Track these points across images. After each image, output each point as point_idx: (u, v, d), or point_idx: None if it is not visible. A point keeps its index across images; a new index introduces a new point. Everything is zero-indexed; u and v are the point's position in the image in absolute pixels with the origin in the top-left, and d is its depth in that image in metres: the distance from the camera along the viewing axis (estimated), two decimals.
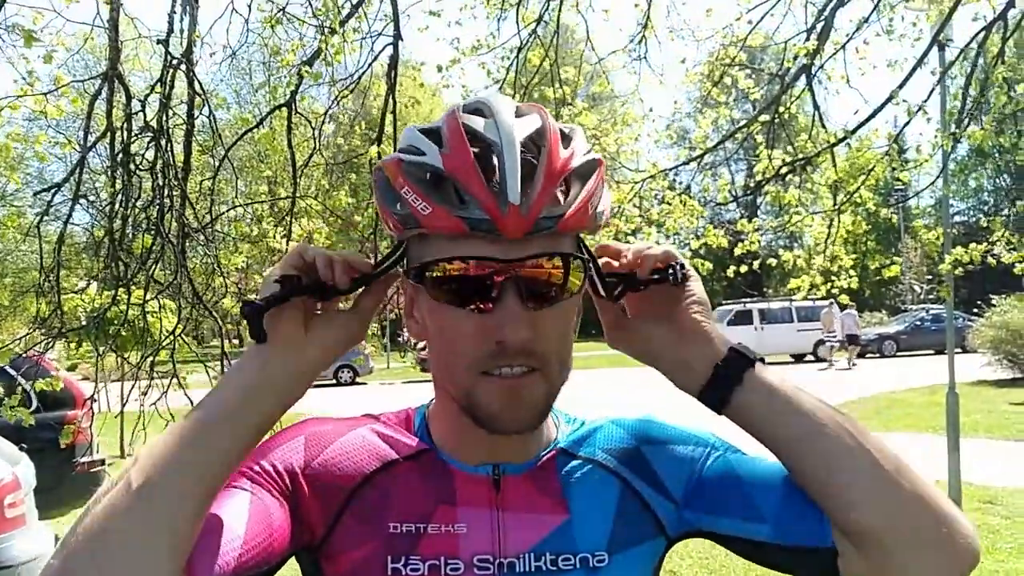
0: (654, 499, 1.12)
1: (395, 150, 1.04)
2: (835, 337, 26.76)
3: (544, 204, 0.93)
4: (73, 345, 5.64)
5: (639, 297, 1.10)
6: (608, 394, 20.72)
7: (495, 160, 0.94)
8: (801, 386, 1.08)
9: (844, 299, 6.58)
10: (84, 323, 5.02)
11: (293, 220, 5.12)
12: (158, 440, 0.90)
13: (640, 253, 1.07)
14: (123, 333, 5.05)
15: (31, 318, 5.01)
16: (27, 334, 5.06)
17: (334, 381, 26.71)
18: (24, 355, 5.06)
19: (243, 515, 0.95)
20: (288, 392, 0.97)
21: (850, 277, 6.39)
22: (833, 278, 6.42)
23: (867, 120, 5.72)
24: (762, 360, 1.08)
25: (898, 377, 20.20)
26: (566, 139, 1.01)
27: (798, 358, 29.22)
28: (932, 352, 27.64)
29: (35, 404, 6.56)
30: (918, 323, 29.99)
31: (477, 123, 0.97)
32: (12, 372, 6.22)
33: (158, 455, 0.87)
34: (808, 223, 6.30)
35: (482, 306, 0.95)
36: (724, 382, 1.04)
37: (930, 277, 40.50)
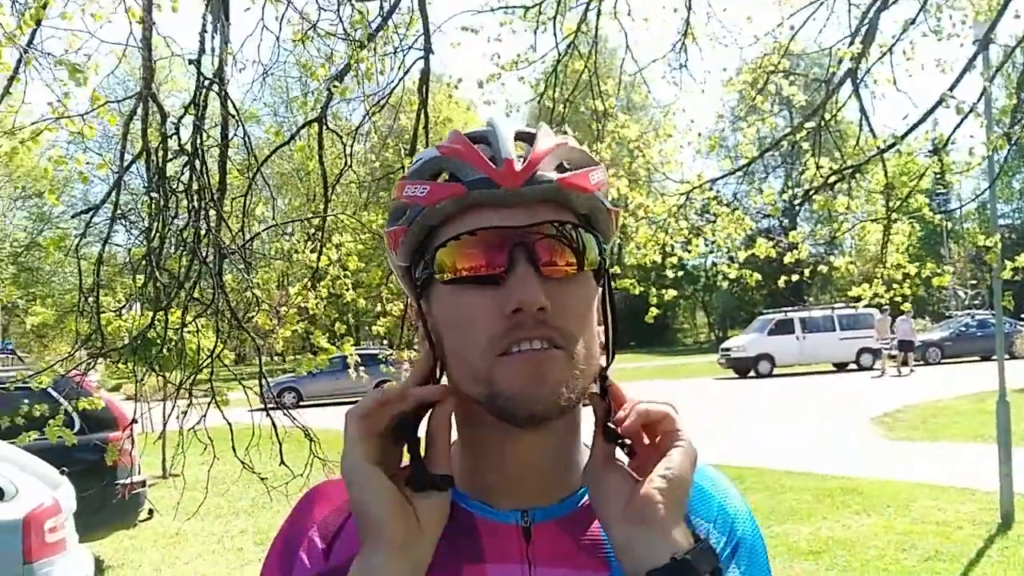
0: None
1: None
2: (888, 344, 26.34)
3: (541, 160, 0.91)
4: (115, 365, 5.64)
5: (634, 460, 0.96)
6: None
7: (490, 140, 0.93)
8: None
9: (907, 306, 6.41)
10: (126, 343, 5.01)
11: (325, 237, 5.08)
12: None
13: (638, 408, 0.93)
14: (165, 353, 5.02)
15: (76, 338, 5.02)
16: (69, 355, 5.06)
17: None
18: (66, 376, 5.06)
19: None
20: None
21: (916, 286, 6.21)
22: (896, 286, 6.24)
23: (918, 124, 5.56)
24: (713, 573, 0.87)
25: (944, 384, 19.82)
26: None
27: (840, 367, 28.81)
28: (978, 359, 27.13)
29: (78, 425, 6.61)
30: (963, 329, 29.45)
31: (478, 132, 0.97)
32: (54, 394, 6.24)
33: None
34: (865, 230, 6.13)
35: (495, 277, 0.89)
36: None
37: (975, 282, 39.83)
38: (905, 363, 26.01)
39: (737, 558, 0.99)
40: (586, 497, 0.98)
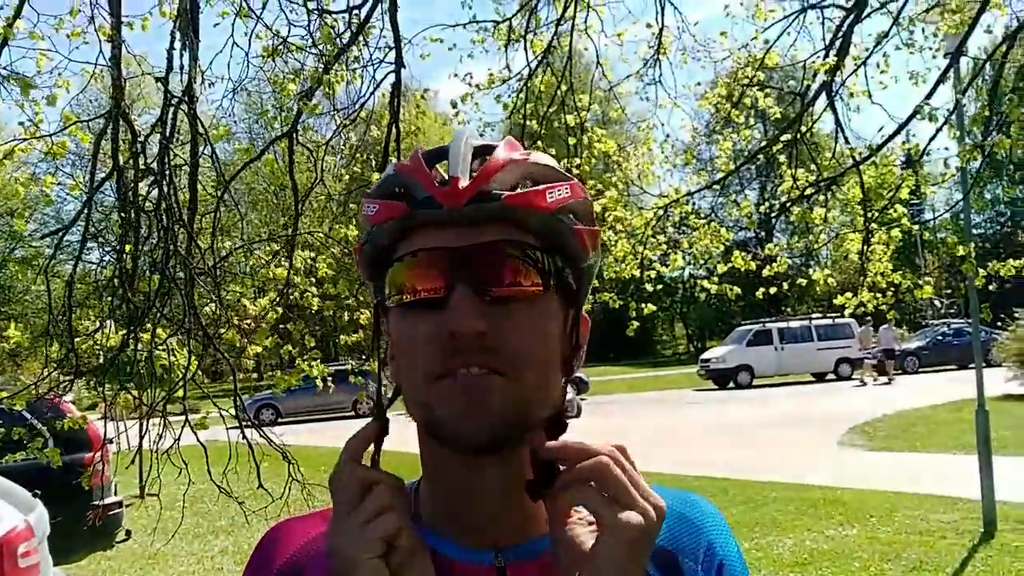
0: None
1: None
2: (871, 354, 26.51)
3: (490, 178, 0.85)
4: (90, 385, 5.56)
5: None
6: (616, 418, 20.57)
7: (444, 156, 0.89)
8: None
9: (892, 314, 6.45)
10: (100, 363, 4.94)
11: (294, 251, 5.03)
12: None
13: (578, 448, 0.83)
14: (141, 371, 4.96)
15: (45, 360, 4.93)
16: (44, 377, 4.97)
17: (353, 413, 26.58)
18: (42, 398, 4.99)
19: None
20: None
21: (901, 293, 6.25)
22: (878, 295, 6.27)
23: (893, 135, 5.60)
24: None
25: (922, 394, 19.95)
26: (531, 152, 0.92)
27: (819, 377, 28.97)
28: (955, 367, 27.35)
29: (51, 444, 6.49)
30: (940, 338, 29.71)
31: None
32: (28, 416, 6.13)
33: None
34: (845, 240, 6.16)
35: (435, 301, 0.84)
36: None
37: (949, 292, 40.23)
38: (884, 372, 26.20)
39: None
40: None
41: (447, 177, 0.85)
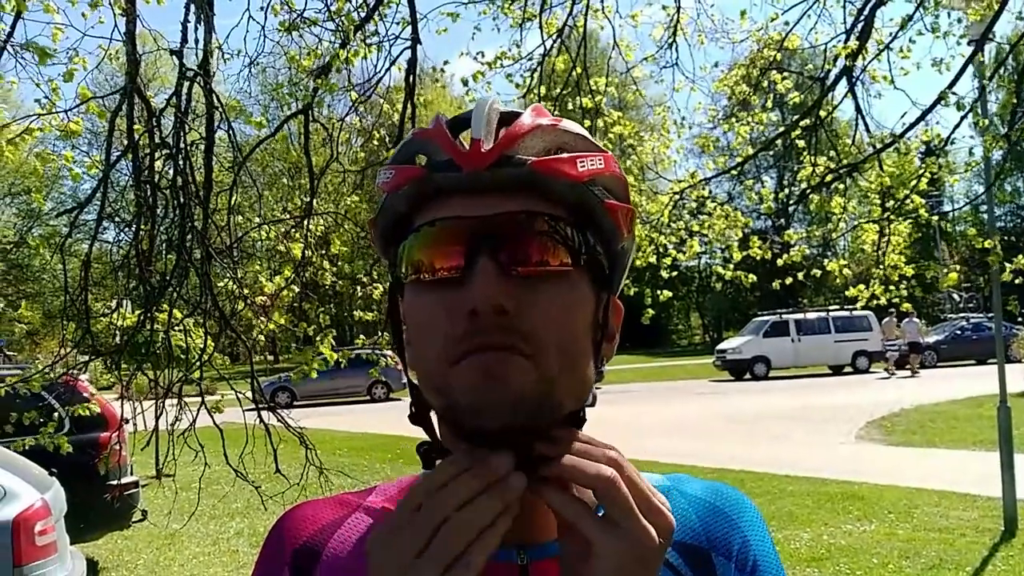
0: None
1: None
2: (895, 346, 26.35)
3: (515, 142, 0.78)
4: (107, 365, 5.57)
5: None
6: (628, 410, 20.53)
7: (468, 122, 0.82)
8: None
9: (907, 306, 6.37)
10: (117, 343, 4.95)
11: (308, 229, 5.01)
12: None
13: (576, 465, 0.74)
14: (157, 352, 4.96)
15: (61, 341, 4.96)
16: (60, 358, 4.99)
17: (368, 397, 26.67)
18: (58, 380, 5.01)
19: None
20: None
21: (913, 287, 6.17)
22: (892, 288, 6.19)
23: (916, 122, 5.52)
24: None
25: (940, 388, 19.79)
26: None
27: (836, 369, 28.81)
28: (973, 362, 27.13)
29: (68, 426, 6.54)
30: (958, 332, 29.47)
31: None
32: (46, 396, 6.17)
33: None
34: (863, 231, 6.08)
35: (454, 276, 0.77)
36: None
37: (968, 285, 39.87)
38: (904, 365, 26.05)
39: None
40: None
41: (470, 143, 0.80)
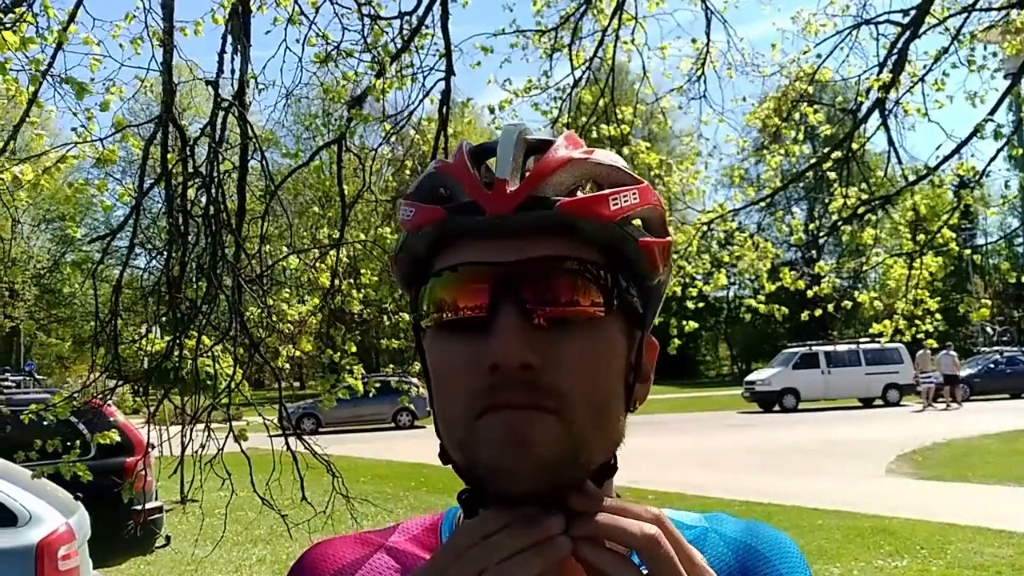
0: None
1: None
2: (930, 379, 26.02)
3: (542, 180, 0.73)
4: (135, 390, 5.61)
5: None
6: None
7: (493, 155, 0.77)
8: None
9: (930, 343, 6.29)
10: (146, 368, 4.99)
11: (339, 259, 5.03)
12: None
13: (617, 524, 0.71)
14: (184, 378, 4.99)
15: (91, 366, 5.00)
16: (85, 386, 5.03)
17: (393, 425, 26.64)
18: (84, 405, 5.04)
19: None
20: None
21: (937, 321, 6.08)
22: (918, 322, 6.11)
23: (952, 154, 5.46)
24: None
25: (972, 422, 19.47)
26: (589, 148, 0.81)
27: (866, 402, 28.43)
28: (1007, 396, 26.68)
29: (94, 450, 6.57)
30: (991, 366, 29.00)
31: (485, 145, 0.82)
32: (74, 420, 6.20)
33: None
34: (888, 264, 6.02)
35: (475, 325, 0.73)
36: None
37: (1002, 319, 39.32)
38: (942, 397, 25.71)
39: None
40: None
41: (494, 178, 0.75)
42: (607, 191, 0.76)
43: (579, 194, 0.76)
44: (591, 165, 0.78)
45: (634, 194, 0.78)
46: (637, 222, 0.79)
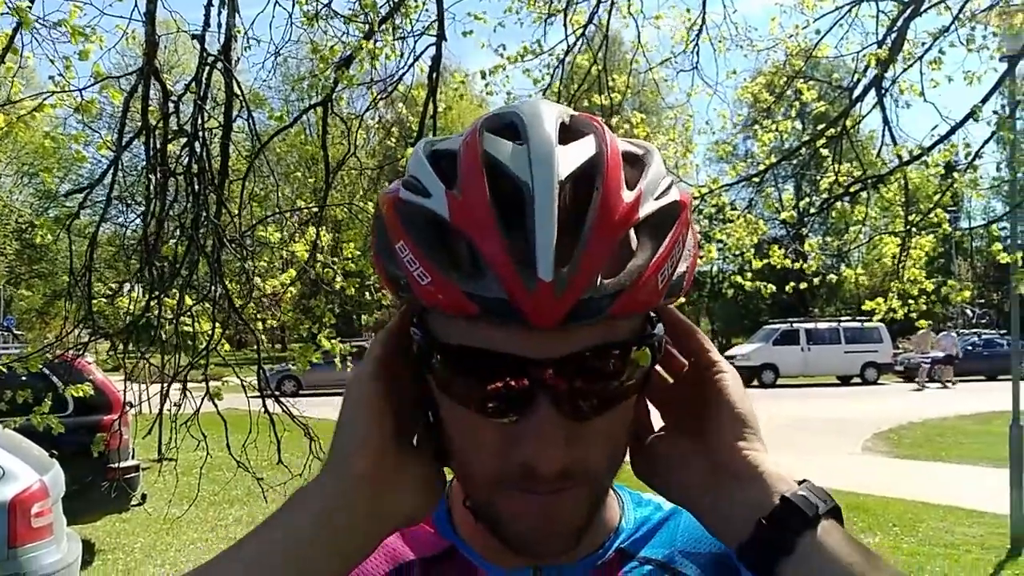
0: None
1: None
2: (928, 359, 26.27)
3: (591, 279, 0.64)
4: (114, 347, 5.53)
5: (662, 402, 0.81)
6: None
7: (524, 208, 0.65)
8: (878, 554, 0.75)
9: (923, 323, 6.29)
10: (123, 326, 4.91)
11: (321, 224, 4.94)
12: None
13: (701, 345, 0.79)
14: (164, 337, 4.91)
15: (64, 321, 4.92)
16: (59, 338, 4.95)
17: None
18: (58, 358, 4.96)
19: None
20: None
21: (933, 302, 6.08)
22: (911, 302, 6.10)
23: (947, 135, 5.41)
24: (832, 512, 0.76)
25: (948, 403, 19.66)
26: (633, 172, 0.71)
27: (844, 380, 28.69)
28: (984, 378, 26.96)
29: (71, 407, 6.50)
30: (969, 348, 29.24)
31: (504, 150, 0.68)
32: (47, 372, 6.11)
33: None
34: (882, 243, 6.00)
35: (506, 416, 0.69)
36: (768, 548, 0.70)
37: (982, 301, 39.64)
38: (932, 378, 25.98)
39: None
40: (609, 554, 0.84)
41: (525, 260, 0.63)
42: (661, 261, 0.68)
43: (625, 279, 0.66)
44: (644, 218, 0.68)
45: (684, 236, 0.72)
46: (680, 280, 0.73)
